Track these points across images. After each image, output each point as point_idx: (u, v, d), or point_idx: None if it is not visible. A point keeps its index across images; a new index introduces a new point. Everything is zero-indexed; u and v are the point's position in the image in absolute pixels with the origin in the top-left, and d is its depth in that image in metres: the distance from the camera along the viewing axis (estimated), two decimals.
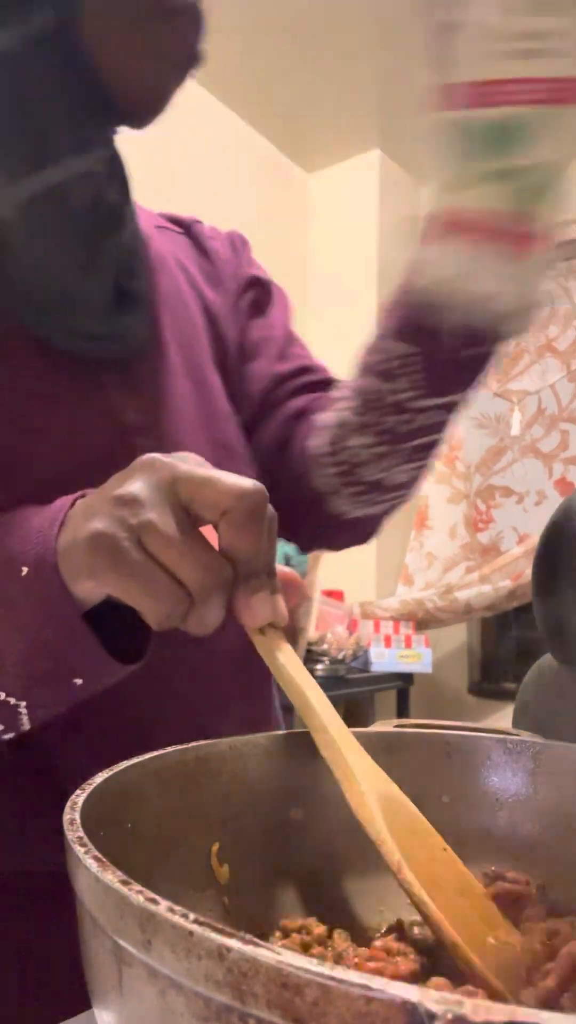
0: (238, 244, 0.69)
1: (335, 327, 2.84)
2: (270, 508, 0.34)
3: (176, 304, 0.59)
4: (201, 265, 0.65)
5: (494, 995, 0.27)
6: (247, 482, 0.32)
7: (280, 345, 0.66)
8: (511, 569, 2.48)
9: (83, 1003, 0.30)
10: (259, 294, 0.67)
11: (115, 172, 0.53)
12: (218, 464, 0.36)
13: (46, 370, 0.48)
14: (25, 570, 0.35)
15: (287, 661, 0.36)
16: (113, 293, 0.51)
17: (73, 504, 0.37)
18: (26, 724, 0.38)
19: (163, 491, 0.32)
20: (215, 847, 0.34)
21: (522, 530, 2.63)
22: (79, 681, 0.36)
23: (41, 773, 0.46)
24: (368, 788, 0.32)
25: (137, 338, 0.53)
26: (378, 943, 0.32)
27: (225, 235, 0.69)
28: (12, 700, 0.37)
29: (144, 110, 0.49)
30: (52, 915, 0.45)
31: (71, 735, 0.46)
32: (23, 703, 0.37)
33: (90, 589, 0.34)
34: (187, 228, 0.67)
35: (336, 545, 0.66)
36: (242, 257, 0.68)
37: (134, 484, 0.33)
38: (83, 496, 0.37)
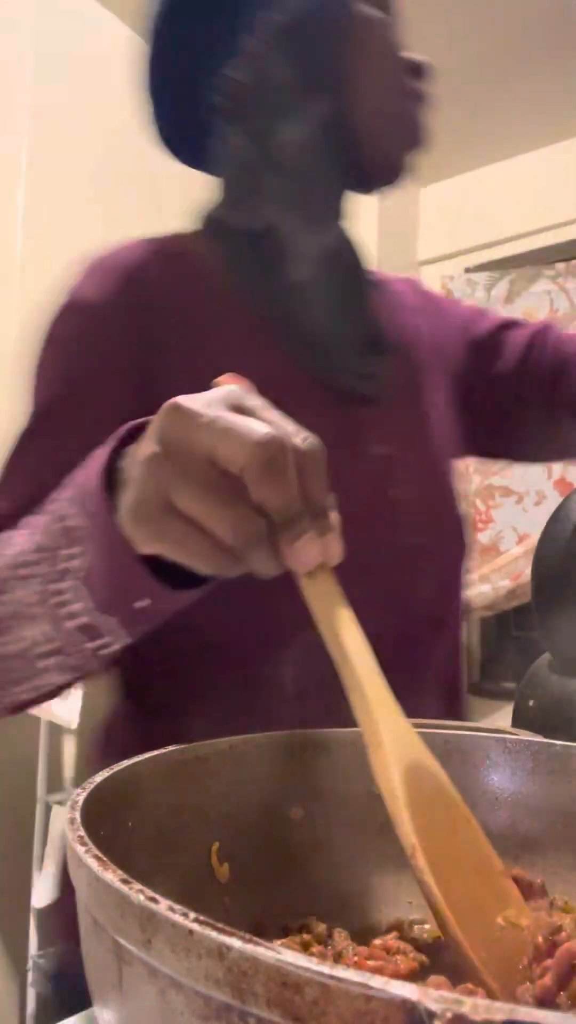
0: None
1: None
2: (302, 447, 0.32)
3: (410, 343, 0.69)
4: (425, 307, 0.74)
5: (491, 994, 0.27)
6: (258, 432, 0.30)
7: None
8: (510, 569, 2.49)
9: None
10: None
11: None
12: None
13: (317, 403, 0.57)
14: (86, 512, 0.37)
15: (330, 609, 0.33)
16: (366, 336, 0.62)
17: (110, 460, 0.37)
18: (113, 641, 0.40)
19: (182, 447, 0.31)
20: (215, 846, 0.34)
21: (521, 530, 2.63)
22: (143, 603, 0.38)
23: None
24: (396, 759, 0.31)
25: (387, 376, 0.62)
26: (378, 942, 0.32)
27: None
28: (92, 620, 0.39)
29: (389, 178, 0.62)
30: None
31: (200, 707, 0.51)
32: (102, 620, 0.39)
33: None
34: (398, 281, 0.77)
35: None
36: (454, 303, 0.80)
37: (154, 442, 0.32)
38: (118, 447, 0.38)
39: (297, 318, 0.58)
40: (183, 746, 0.34)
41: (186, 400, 0.32)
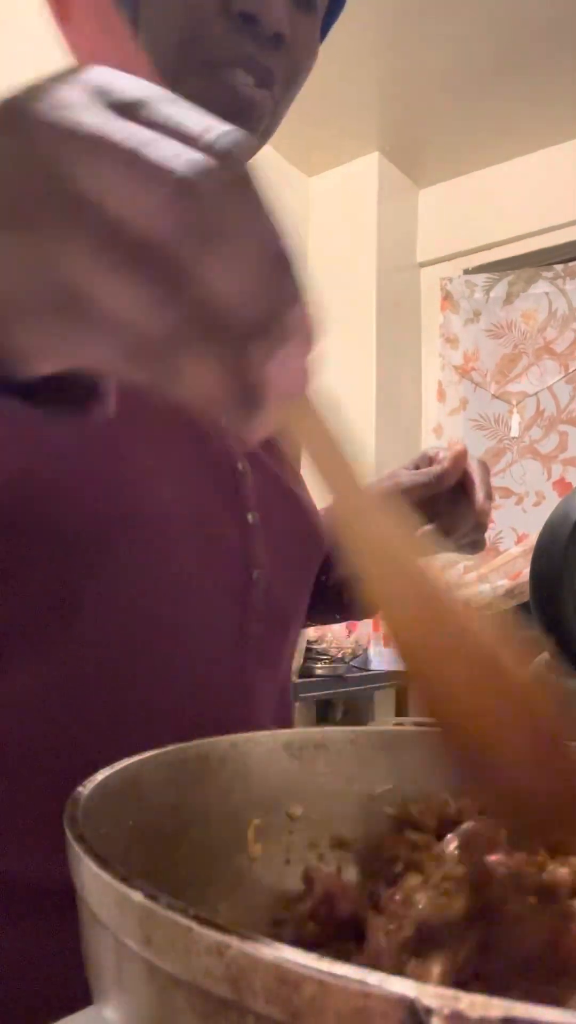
0: None
1: (335, 329, 2.84)
2: (243, 178, 0.20)
3: None
4: None
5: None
6: (179, 158, 0.18)
7: None
8: (509, 568, 2.49)
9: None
10: None
11: None
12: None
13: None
14: None
15: (329, 448, 0.27)
16: None
17: None
18: None
19: (50, 185, 0.19)
20: (255, 822, 0.35)
21: (521, 530, 2.63)
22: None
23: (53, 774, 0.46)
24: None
25: None
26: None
27: None
28: None
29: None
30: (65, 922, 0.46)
31: (81, 735, 0.46)
32: None
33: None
34: None
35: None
36: None
37: (8, 185, 0.20)
38: None
39: None
40: (184, 744, 0.35)
41: (29, 100, 0.19)
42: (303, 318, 0.21)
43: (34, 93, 0.20)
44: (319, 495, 0.26)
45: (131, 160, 0.18)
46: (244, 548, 0.54)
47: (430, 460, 0.67)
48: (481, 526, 0.66)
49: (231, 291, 0.19)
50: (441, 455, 0.66)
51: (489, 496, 0.64)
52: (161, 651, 0.50)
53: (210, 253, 0.18)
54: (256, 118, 0.52)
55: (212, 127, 0.20)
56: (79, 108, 0.19)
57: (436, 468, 0.64)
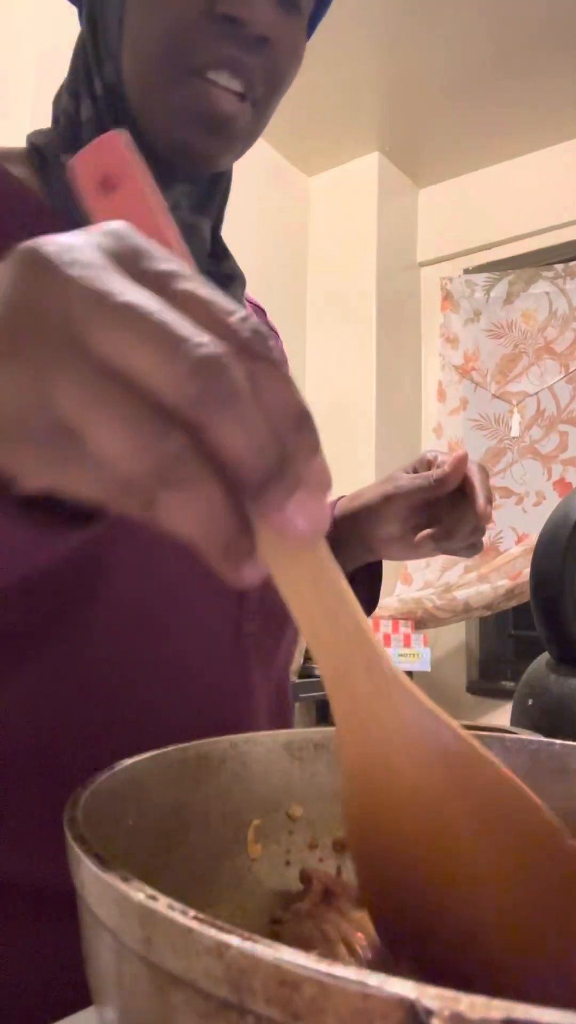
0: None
1: (335, 330, 2.84)
2: (262, 356, 0.21)
3: None
4: None
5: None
6: (195, 350, 0.19)
7: None
8: (509, 568, 2.49)
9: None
10: None
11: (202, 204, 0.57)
12: None
13: None
14: None
15: (333, 594, 0.24)
16: None
17: None
18: None
19: (61, 334, 0.20)
20: (255, 823, 0.35)
21: (521, 530, 2.63)
22: None
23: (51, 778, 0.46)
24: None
25: None
26: None
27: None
28: None
29: (187, 167, 0.53)
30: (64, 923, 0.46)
31: (78, 738, 0.47)
32: None
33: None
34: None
35: None
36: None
37: (19, 317, 0.20)
38: None
39: None
40: (184, 744, 0.35)
41: (58, 251, 0.20)
42: (319, 469, 0.21)
43: (66, 246, 0.20)
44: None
45: (155, 334, 0.19)
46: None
47: (429, 464, 0.67)
48: (480, 530, 0.66)
49: (241, 451, 0.20)
50: (440, 459, 0.66)
51: (489, 500, 0.64)
52: (157, 651, 0.50)
53: (224, 422, 0.19)
54: (234, 130, 0.52)
55: (236, 311, 0.21)
56: (109, 271, 0.20)
57: (436, 472, 0.64)
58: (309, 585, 0.24)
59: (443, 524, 0.65)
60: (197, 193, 0.56)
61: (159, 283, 0.21)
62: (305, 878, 0.34)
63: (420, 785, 0.25)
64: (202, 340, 0.19)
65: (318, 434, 0.22)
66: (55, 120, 0.55)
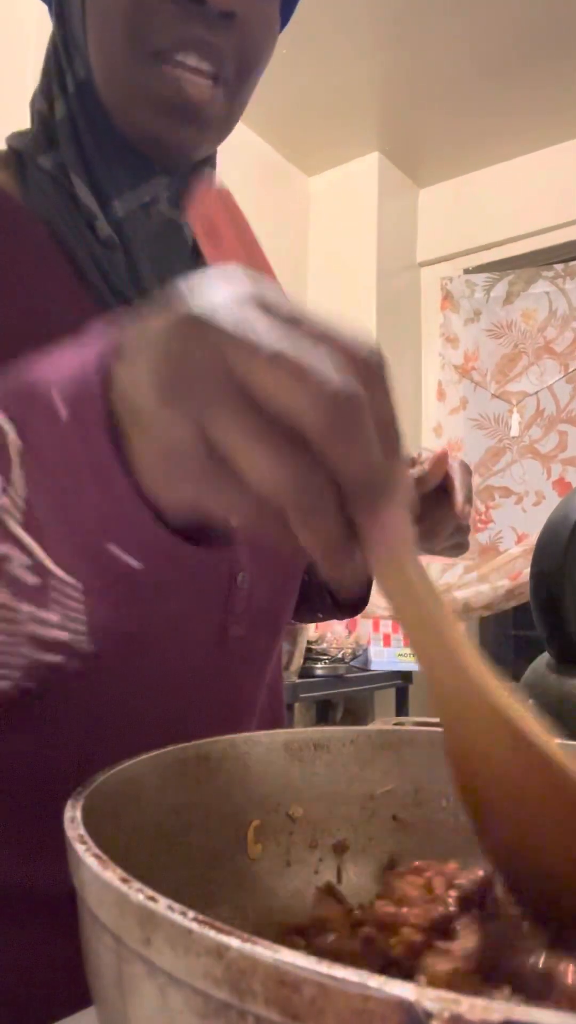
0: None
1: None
2: (382, 386, 0.24)
3: None
4: None
5: None
6: (333, 382, 0.22)
7: None
8: (509, 568, 2.49)
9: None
10: None
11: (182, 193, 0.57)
12: None
13: None
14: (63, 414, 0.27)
15: (426, 599, 0.27)
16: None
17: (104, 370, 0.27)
18: (85, 625, 0.32)
19: (217, 381, 0.23)
20: (255, 823, 0.35)
21: (521, 530, 2.63)
22: (135, 563, 0.29)
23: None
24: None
25: None
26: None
27: None
28: (68, 581, 0.29)
29: (162, 158, 0.52)
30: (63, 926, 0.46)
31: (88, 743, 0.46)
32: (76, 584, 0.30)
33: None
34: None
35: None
36: None
37: (169, 368, 0.24)
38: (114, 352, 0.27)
39: (100, 267, 0.50)
40: (184, 745, 0.35)
41: (211, 313, 0.24)
42: (406, 482, 0.26)
43: (211, 303, 0.24)
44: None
45: (301, 376, 0.22)
46: (227, 550, 0.54)
47: (413, 462, 0.66)
48: (463, 529, 0.65)
49: (359, 469, 0.23)
50: (423, 456, 0.65)
51: (468, 500, 0.64)
52: (142, 654, 0.49)
53: (350, 446, 0.23)
54: (206, 116, 0.50)
55: (359, 344, 0.24)
56: (254, 324, 0.23)
57: (416, 471, 0.64)
58: (406, 588, 0.27)
59: (424, 523, 0.65)
60: (176, 185, 0.54)
61: (292, 325, 0.24)
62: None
63: (504, 768, 0.28)
64: (340, 379, 0.23)
65: (404, 450, 0.25)
66: (32, 121, 0.55)
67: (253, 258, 0.31)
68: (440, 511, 0.64)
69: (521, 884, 0.29)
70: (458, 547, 0.66)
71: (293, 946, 0.30)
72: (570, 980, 0.24)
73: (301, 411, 0.22)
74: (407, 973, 0.27)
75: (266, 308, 0.24)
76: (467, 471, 0.65)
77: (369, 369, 0.24)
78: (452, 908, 0.30)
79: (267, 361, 0.23)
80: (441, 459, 0.63)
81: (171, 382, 0.24)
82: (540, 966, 0.25)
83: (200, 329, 0.24)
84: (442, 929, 0.29)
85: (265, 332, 0.23)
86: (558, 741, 0.28)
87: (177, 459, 0.25)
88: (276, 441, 0.23)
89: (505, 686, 0.28)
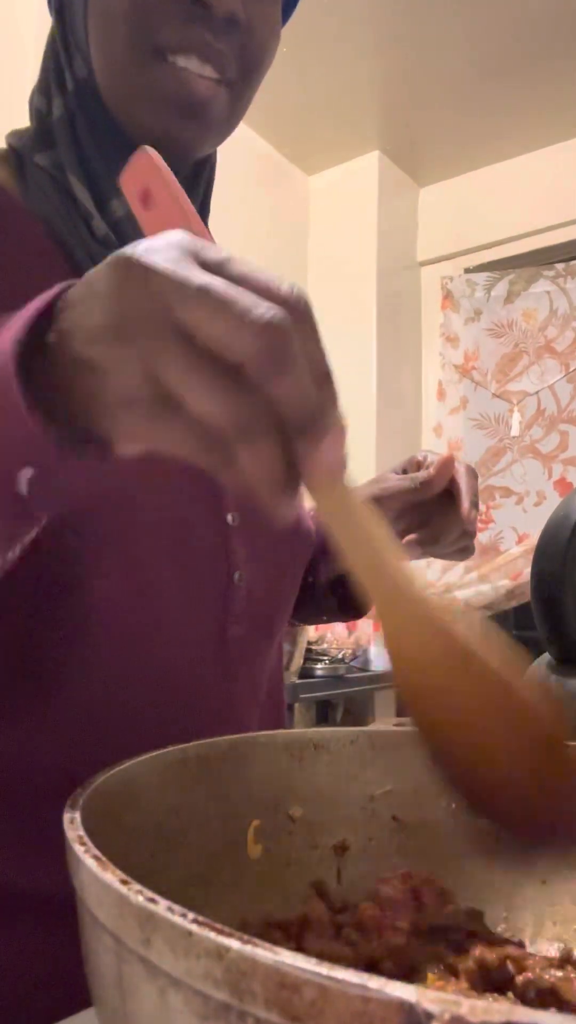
0: None
1: (335, 329, 2.84)
2: (304, 315, 0.26)
3: None
4: None
5: None
6: (264, 313, 0.24)
7: None
8: (510, 568, 2.49)
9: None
10: None
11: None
12: None
13: None
14: None
15: (361, 525, 0.29)
16: None
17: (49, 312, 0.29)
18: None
19: (154, 319, 0.25)
20: (255, 823, 0.35)
21: (521, 530, 2.63)
22: (28, 472, 0.29)
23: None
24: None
25: None
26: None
27: None
28: None
29: (165, 156, 0.52)
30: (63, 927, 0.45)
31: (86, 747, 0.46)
32: None
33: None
34: None
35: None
36: None
37: (109, 312, 0.26)
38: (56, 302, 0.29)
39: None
40: (184, 745, 0.34)
41: (143, 255, 0.25)
42: (339, 417, 0.27)
43: (148, 249, 0.26)
44: (304, 496, 0.27)
45: (227, 307, 0.24)
46: (224, 550, 0.54)
47: (418, 465, 0.66)
48: (468, 533, 0.65)
49: (293, 398, 0.25)
50: (429, 460, 0.65)
51: (475, 504, 0.64)
52: (140, 655, 0.49)
53: (281, 373, 0.24)
54: (211, 114, 0.50)
55: (280, 282, 0.26)
56: (184, 264, 0.25)
57: (421, 475, 0.64)
58: (342, 510, 0.29)
59: (430, 527, 0.64)
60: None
61: (220, 269, 0.26)
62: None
63: (433, 655, 0.30)
64: (264, 307, 0.24)
65: (336, 388, 0.27)
66: (30, 119, 0.54)
67: (188, 220, 0.32)
68: (446, 516, 0.64)
69: (461, 780, 0.30)
70: (463, 551, 0.66)
71: (271, 940, 0.30)
72: None
73: (230, 340, 0.24)
74: (389, 976, 0.27)
75: (196, 254, 0.26)
76: (473, 476, 0.65)
77: (292, 306, 0.25)
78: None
79: (195, 294, 0.24)
80: (447, 463, 0.63)
81: (114, 324, 0.26)
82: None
83: (134, 269, 0.25)
84: (426, 935, 0.30)
85: (195, 272, 0.25)
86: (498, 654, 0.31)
87: (126, 399, 0.26)
88: (215, 374, 0.24)
89: (437, 593, 0.31)
